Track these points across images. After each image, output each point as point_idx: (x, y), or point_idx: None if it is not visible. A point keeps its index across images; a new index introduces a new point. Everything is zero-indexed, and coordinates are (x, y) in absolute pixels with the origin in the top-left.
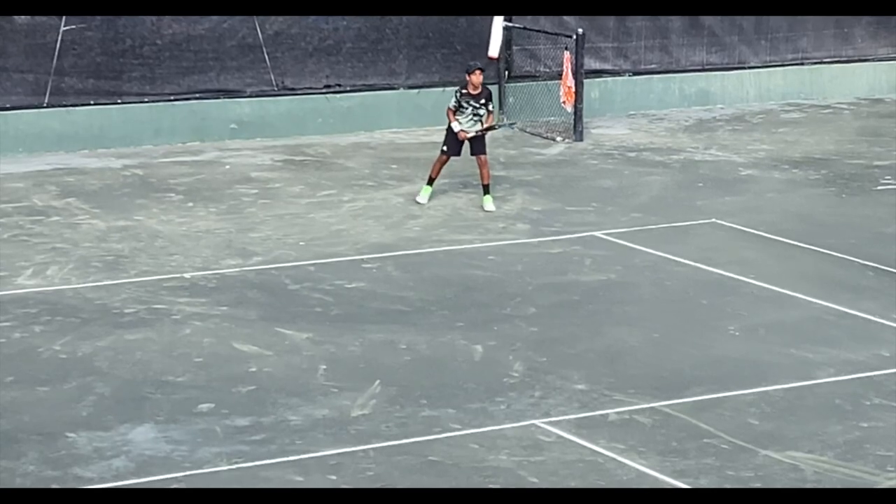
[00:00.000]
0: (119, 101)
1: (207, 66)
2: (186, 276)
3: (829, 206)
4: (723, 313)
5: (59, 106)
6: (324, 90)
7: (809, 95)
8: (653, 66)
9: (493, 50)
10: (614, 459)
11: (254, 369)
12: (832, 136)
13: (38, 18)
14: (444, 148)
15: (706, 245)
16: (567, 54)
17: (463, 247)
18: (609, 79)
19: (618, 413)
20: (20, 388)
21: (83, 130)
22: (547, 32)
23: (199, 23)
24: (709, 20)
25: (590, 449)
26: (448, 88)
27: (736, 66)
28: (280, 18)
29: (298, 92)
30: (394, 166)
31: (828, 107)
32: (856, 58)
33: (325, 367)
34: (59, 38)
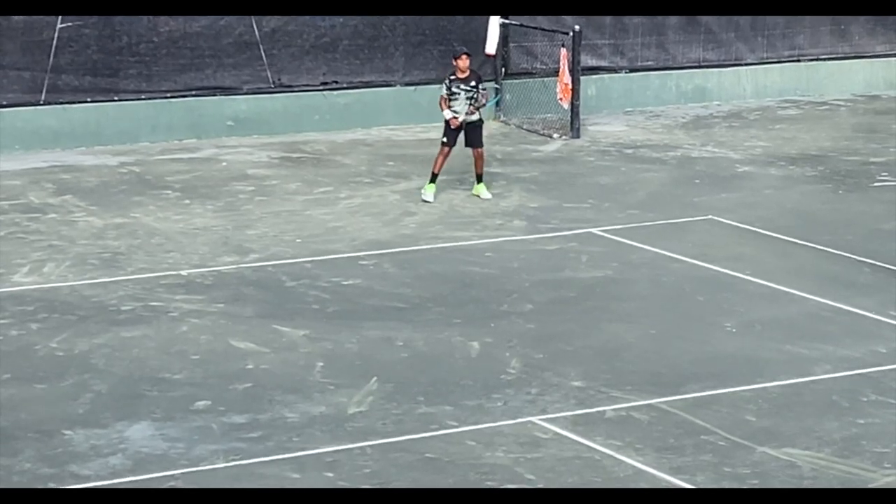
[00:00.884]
0: (116, 98)
1: (204, 63)
2: (183, 273)
3: (826, 203)
4: (719, 310)
5: (56, 103)
6: (321, 87)
7: (806, 92)
8: (649, 62)
9: (490, 47)
10: (611, 456)
11: (250, 366)
12: (829, 133)
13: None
14: (444, 139)
15: (703, 241)
16: (564, 51)
17: (460, 243)
18: (606, 76)
19: (615, 410)
20: (17, 385)
21: (80, 128)
22: (544, 29)
23: (196, 20)
24: (705, 17)
25: (587, 446)
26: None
27: (733, 62)
28: (277, 16)
29: (295, 89)
30: (390, 163)
31: (824, 103)
32: (852, 54)
33: (321, 364)
34: (56, 35)
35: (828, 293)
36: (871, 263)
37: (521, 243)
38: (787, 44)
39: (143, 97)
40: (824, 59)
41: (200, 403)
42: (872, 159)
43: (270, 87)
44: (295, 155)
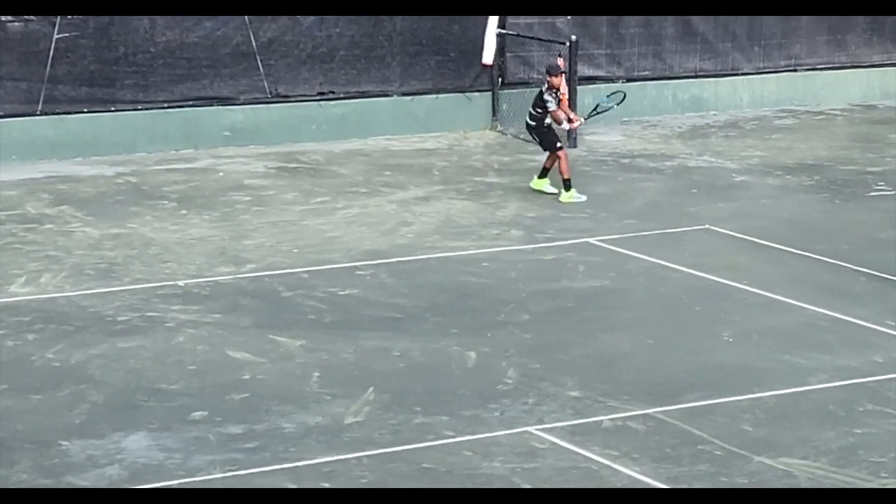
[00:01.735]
0: (112, 108)
1: (201, 73)
2: (180, 283)
3: (823, 212)
4: (716, 319)
5: (53, 113)
6: (317, 97)
7: (802, 102)
8: (646, 72)
9: (487, 57)
10: (608, 466)
11: (247, 377)
12: (825, 143)
13: (32, 26)
14: (560, 144)
15: (700, 251)
16: (560, 61)
17: (457, 253)
18: (603, 85)
19: (611, 419)
20: (13, 395)
21: (76, 138)
22: (540, 39)
23: (193, 30)
24: (702, 27)
25: (583, 456)
26: (441, 95)
27: (729, 72)
28: (273, 26)
29: (292, 99)
30: (387, 173)
31: (821, 113)
32: (849, 64)
33: (318, 374)
34: (53, 45)
35: (824, 303)
36: (867, 273)
37: (518, 253)
38: (783, 53)
39: (139, 107)
40: (821, 69)
41: (197, 414)
42: (869, 169)
43: (267, 98)
44: (292, 165)
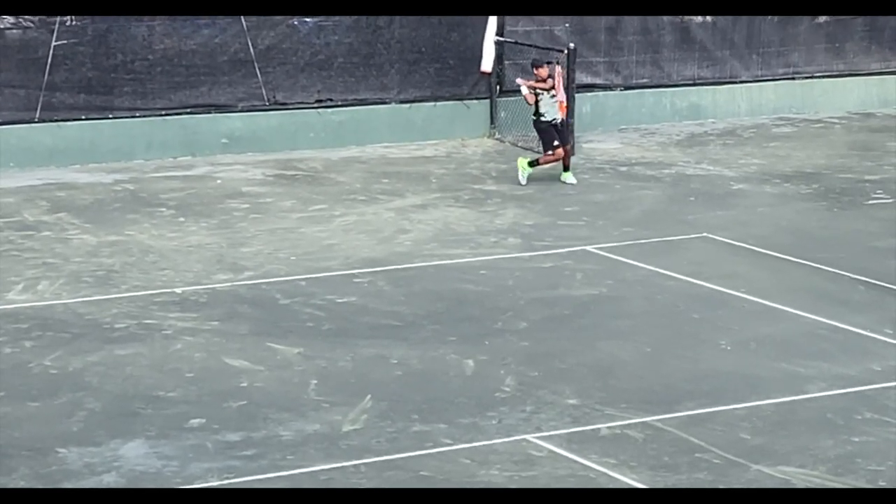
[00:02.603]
0: (110, 115)
1: (199, 80)
2: (177, 290)
3: (821, 221)
4: (714, 327)
5: (51, 121)
6: (315, 105)
7: (800, 110)
8: (644, 80)
9: (486, 65)
10: (606, 474)
11: (245, 384)
12: (823, 151)
13: (30, 33)
14: (557, 143)
15: (697, 259)
16: (558, 68)
17: (454, 261)
18: (601, 93)
19: (609, 428)
20: (11, 403)
21: (74, 145)
22: (538, 47)
23: (191, 38)
24: (700, 34)
25: (581, 464)
26: (439, 103)
27: (727, 80)
28: (272, 33)
29: (290, 106)
30: (385, 181)
31: (819, 121)
32: (847, 72)
33: (316, 381)
34: (51, 52)
35: (822, 311)
36: (865, 281)
37: (515, 261)
38: (781, 61)
39: (137, 115)
40: (819, 77)
41: (194, 421)
42: (867, 177)
43: (265, 105)
44: (289, 172)
